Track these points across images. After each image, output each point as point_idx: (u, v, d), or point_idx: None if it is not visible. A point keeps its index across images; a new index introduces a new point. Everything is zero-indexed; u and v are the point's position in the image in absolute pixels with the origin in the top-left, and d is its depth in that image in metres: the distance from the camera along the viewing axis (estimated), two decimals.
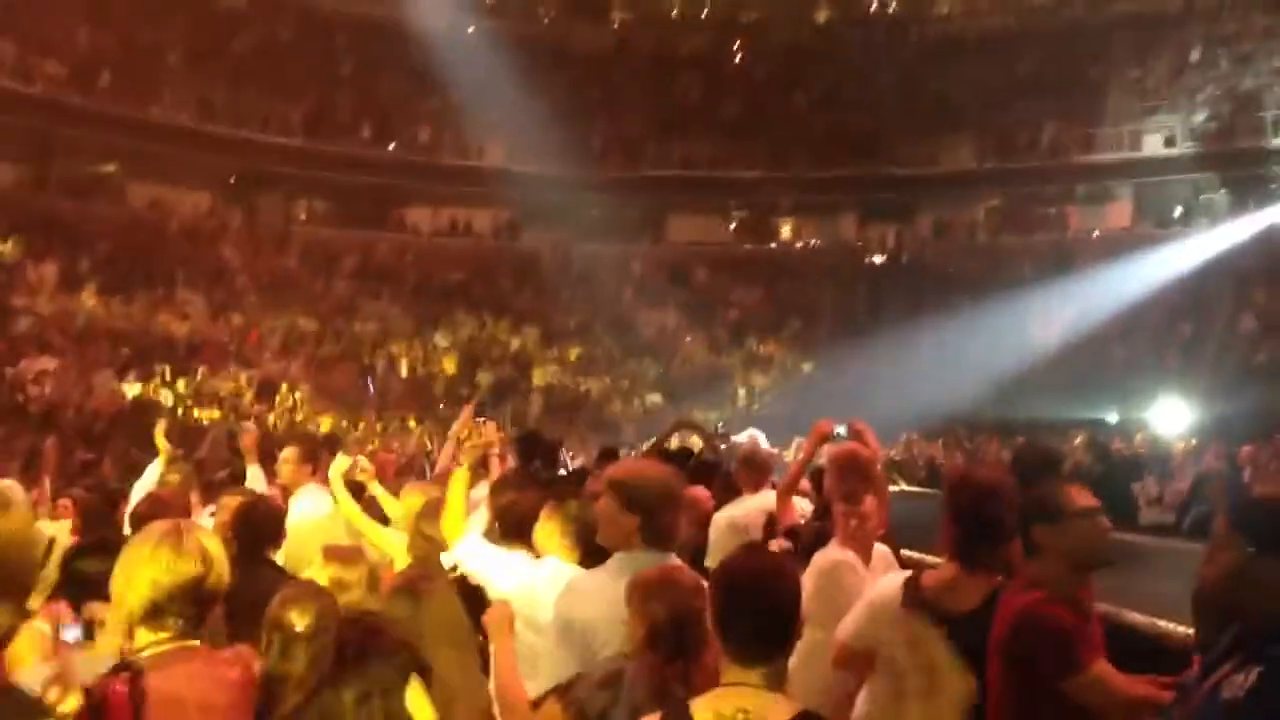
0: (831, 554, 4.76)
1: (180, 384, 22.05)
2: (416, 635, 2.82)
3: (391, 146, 34.22)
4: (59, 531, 4.97)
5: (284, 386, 24.06)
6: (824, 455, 5.70)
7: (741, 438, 9.87)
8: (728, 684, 2.82)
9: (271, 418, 21.82)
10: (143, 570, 2.84)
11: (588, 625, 3.71)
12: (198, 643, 2.91)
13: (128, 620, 2.85)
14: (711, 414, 25.85)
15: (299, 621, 3.28)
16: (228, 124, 31.08)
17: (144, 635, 2.85)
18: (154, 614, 2.83)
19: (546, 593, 4.17)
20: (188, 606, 2.85)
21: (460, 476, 4.77)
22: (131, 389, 20.91)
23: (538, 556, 4.54)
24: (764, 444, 8.38)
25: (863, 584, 4.62)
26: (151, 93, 29.80)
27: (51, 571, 4.50)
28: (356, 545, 5.11)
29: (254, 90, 31.87)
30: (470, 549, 4.51)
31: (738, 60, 36.82)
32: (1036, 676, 3.49)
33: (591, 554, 4.35)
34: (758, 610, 2.82)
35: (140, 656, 2.83)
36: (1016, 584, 3.69)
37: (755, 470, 6.85)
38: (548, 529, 4.51)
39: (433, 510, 5.14)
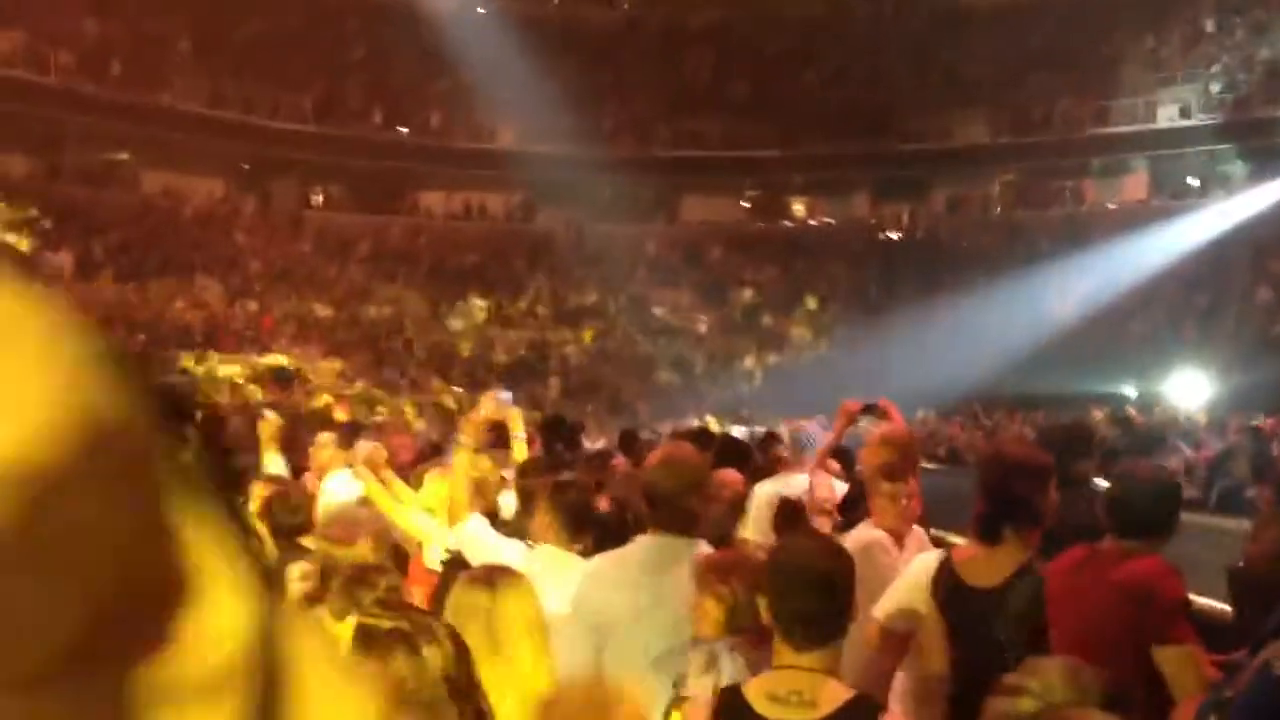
0: (864, 533, 4.74)
1: (199, 370, 22.07)
2: (492, 628, 2.80)
3: (403, 130, 34.20)
4: None
5: (301, 371, 24.09)
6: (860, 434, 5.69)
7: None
8: (780, 666, 2.82)
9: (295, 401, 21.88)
10: None
11: (598, 605, 3.72)
12: None
13: None
14: (726, 393, 25.86)
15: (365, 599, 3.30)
16: (239, 110, 31.08)
17: None
18: None
19: (542, 580, 4.19)
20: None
21: (462, 459, 4.78)
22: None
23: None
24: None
25: (896, 564, 4.60)
26: (162, 80, 29.79)
27: None
28: (352, 524, 5.11)
29: (265, 76, 31.86)
30: (473, 533, 4.53)
31: (748, 38, 36.65)
32: (1134, 640, 3.45)
33: (591, 542, 4.39)
34: (810, 594, 2.81)
35: None
36: (1106, 554, 3.66)
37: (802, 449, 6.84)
38: (544, 520, 4.53)
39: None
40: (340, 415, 16.06)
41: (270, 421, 8.35)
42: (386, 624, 2.10)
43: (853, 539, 4.71)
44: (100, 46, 29.07)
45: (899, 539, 4.73)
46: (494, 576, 3.07)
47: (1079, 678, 2.04)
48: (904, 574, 4.34)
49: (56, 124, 27.87)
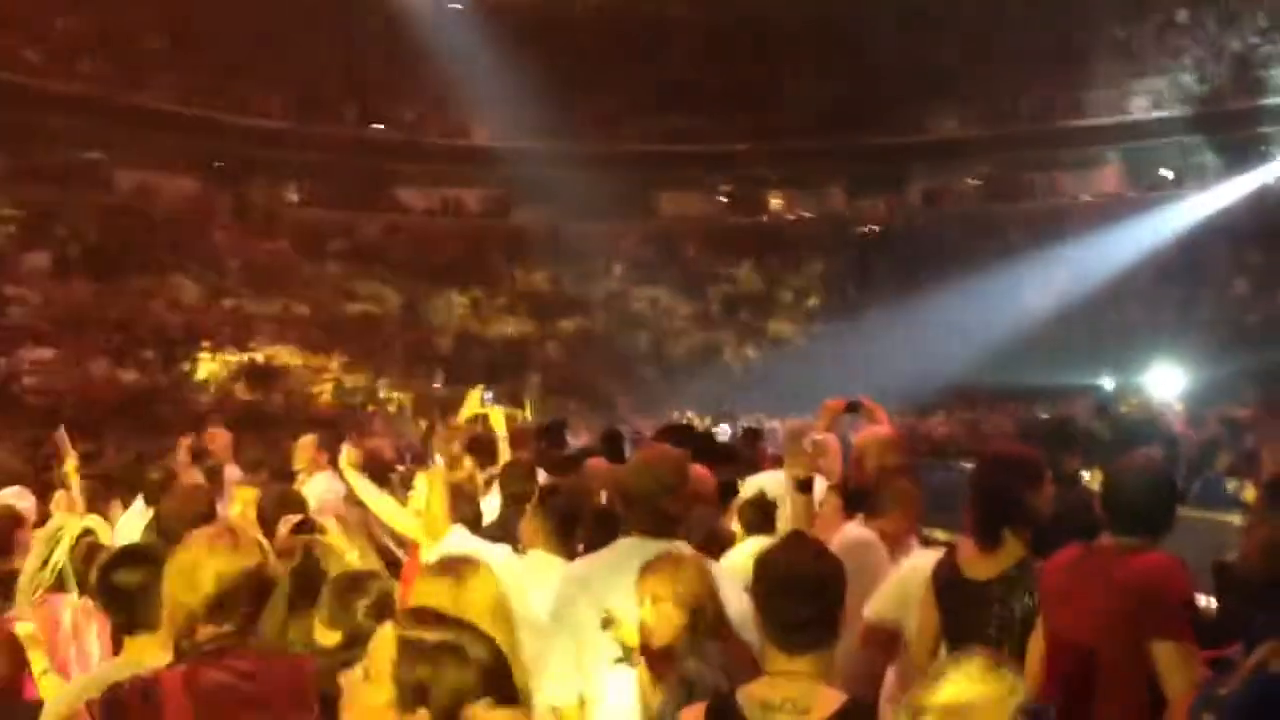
0: (856, 532, 4.75)
1: (176, 370, 22.00)
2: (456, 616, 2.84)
3: (379, 127, 34.07)
4: (98, 527, 4.95)
5: (285, 368, 24.08)
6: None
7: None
8: (773, 673, 2.81)
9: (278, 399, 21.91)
10: (204, 567, 2.88)
11: (575, 608, 3.73)
12: (254, 640, 2.95)
13: (188, 620, 2.88)
14: (707, 388, 25.86)
15: (359, 605, 3.32)
16: (212, 107, 30.87)
17: (206, 631, 2.89)
18: (218, 609, 2.87)
19: (532, 584, 4.20)
20: (250, 597, 2.92)
21: (436, 473, 4.75)
22: (127, 376, 20.84)
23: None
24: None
25: (886, 565, 4.61)
26: (135, 78, 29.54)
27: (51, 569, 4.50)
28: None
29: (238, 72, 31.66)
30: (455, 546, 4.51)
31: (722, 32, 36.57)
32: (1136, 637, 3.45)
33: (576, 547, 4.40)
34: (800, 599, 2.81)
35: (199, 650, 2.86)
36: (1106, 551, 3.65)
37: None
38: (533, 524, 4.54)
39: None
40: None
41: (221, 435, 8.33)
42: (432, 636, 2.11)
43: (843, 538, 4.73)
44: (71, 44, 28.82)
45: (898, 540, 4.74)
46: (456, 566, 3.11)
47: (1002, 676, 2.05)
48: (896, 572, 4.36)
49: (28, 122, 27.57)
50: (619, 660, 3.55)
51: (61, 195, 27.43)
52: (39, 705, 3.38)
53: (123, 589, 3.27)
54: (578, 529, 4.46)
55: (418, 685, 2.07)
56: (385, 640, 2.15)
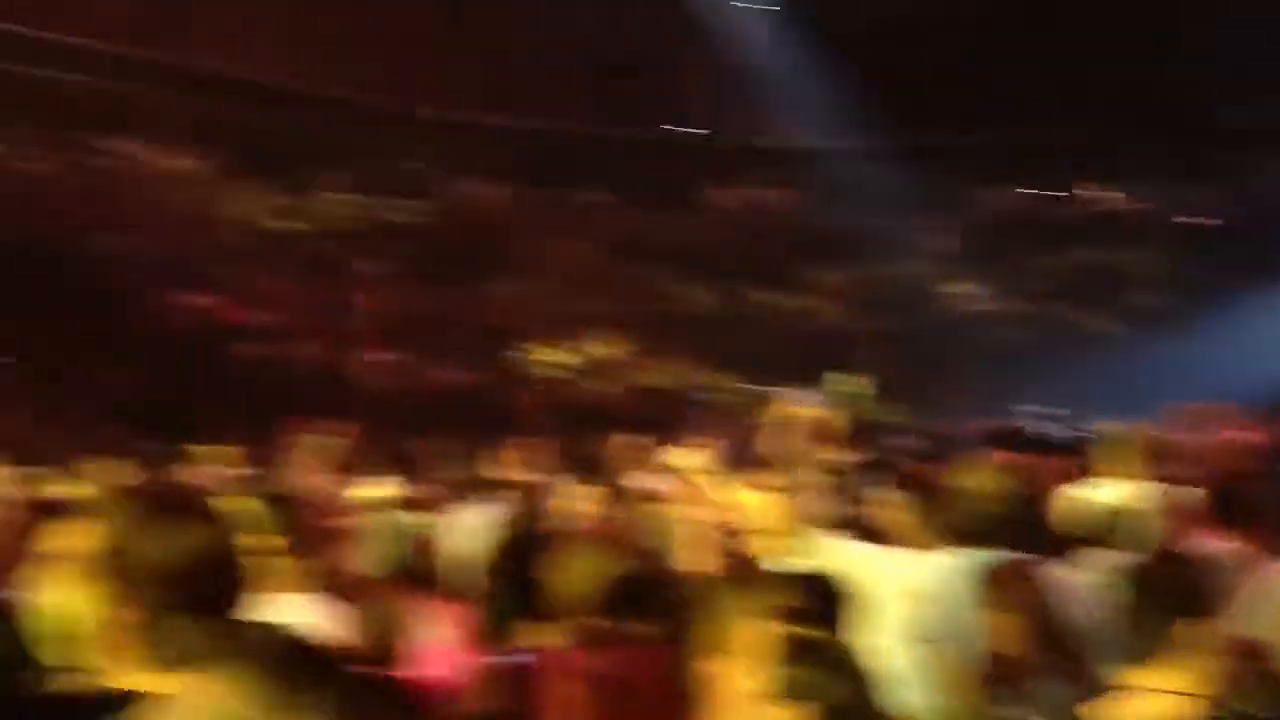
0: (1214, 543, 4.56)
1: (506, 370, 23.09)
2: None
3: (688, 130, 34.76)
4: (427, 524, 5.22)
5: (607, 367, 24.93)
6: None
7: None
8: (1129, 688, 2.73)
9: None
10: (583, 565, 3.08)
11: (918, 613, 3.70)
12: (639, 630, 3.12)
13: (574, 612, 3.09)
14: (1033, 389, 25.12)
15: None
16: (525, 116, 32.31)
17: (590, 622, 3.08)
18: (599, 603, 3.07)
19: (895, 578, 4.16)
20: (625, 593, 3.10)
21: (792, 463, 4.77)
22: (461, 377, 22.03)
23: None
24: None
25: (1248, 577, 4.38)
26: (447, 91, 31.30)
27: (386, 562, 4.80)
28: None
29: (547, 80, 32.94)
30: (824, 543, 4.52)
31: (1043, 16, 35.43)
32: None
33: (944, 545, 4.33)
34: (1163, 613, 2.74)
35: (585, 639, 3.06)
36: None
37: None
38: (908, 520, 4.49)
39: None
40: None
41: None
42: (810, 635, 2.17)
43: (1204, 549, 4.51)
44: (388, 61, 30.76)
45: (1259, 552, 4.51)
46: None
47: None
48: (1261, 586, 4.15)
49: (357, 137, 29.63)
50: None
51: (391, 205, 29.39)
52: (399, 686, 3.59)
53: (520, 580, 3.52)
54: (951, 528, 4.40)
55: (802, 681, 2.12)
56: (763, 632, 2.20)
